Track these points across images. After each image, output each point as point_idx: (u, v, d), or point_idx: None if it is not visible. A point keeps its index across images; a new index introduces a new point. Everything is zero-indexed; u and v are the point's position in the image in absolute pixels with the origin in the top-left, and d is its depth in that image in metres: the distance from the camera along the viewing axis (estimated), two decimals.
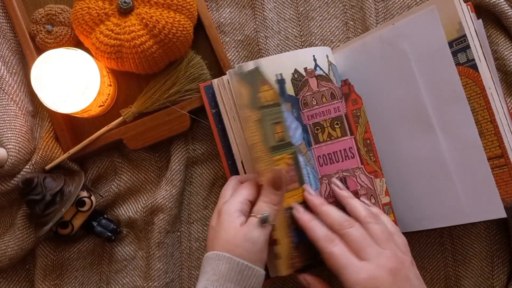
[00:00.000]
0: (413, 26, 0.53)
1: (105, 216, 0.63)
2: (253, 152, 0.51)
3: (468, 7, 0.52)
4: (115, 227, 0.62)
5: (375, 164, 0.56)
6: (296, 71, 0.55)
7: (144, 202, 0.64)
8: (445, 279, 0.61)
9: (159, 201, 0.62)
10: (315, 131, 0.55)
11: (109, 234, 0.62)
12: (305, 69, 0.56)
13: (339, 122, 0.56)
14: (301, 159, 0.54)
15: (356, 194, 0.55)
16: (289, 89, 0.55)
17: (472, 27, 0.51)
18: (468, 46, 0.50)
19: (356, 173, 0.55)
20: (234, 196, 0.51)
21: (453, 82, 0.51)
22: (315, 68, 0.57)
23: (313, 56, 0.57)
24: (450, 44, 0.51)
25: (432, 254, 0.61)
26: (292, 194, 0.52)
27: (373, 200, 0.55)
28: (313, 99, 0.55)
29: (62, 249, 0.64)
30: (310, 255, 0.53)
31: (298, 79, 0.56)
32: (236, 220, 0.49)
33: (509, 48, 0.60)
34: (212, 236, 0.50)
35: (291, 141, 0.53)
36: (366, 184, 0.55)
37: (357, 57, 0.58)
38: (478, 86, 0.50)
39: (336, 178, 0.55)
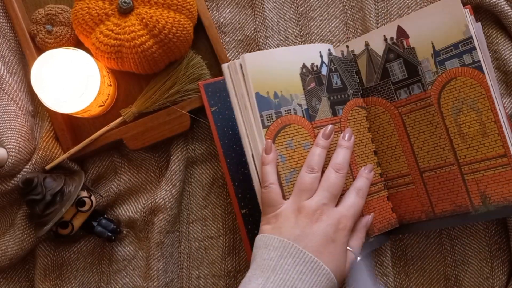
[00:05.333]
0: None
1: (105, 216, 0.63)
2: None
3: (467, 10, 0.52)
4: (115, 227, 0.63)
5: None
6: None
7: (144, 202, 0.64)
8: (445, 279, 0.61)
9: (159, 201, 0.62)
10: None
11: (109, 234, 0.62)
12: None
13: None
14: None
15: None
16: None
17: (478, 29, 0.53)
18: (474, 48, 0.52)
19: None
20: None
21: None
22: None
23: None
24: (456, 45, 0.53)
25: (431, 254, 0.61)
26: None
27: None
28: None
29: (62, 249, 0.64)
30: None
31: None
32: None
33: (509, 48, 0.60)
34: None
35: None
36: None
37: None
38: (483, 87, 0.51)
39: None
